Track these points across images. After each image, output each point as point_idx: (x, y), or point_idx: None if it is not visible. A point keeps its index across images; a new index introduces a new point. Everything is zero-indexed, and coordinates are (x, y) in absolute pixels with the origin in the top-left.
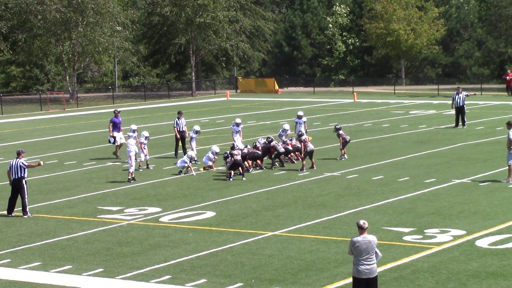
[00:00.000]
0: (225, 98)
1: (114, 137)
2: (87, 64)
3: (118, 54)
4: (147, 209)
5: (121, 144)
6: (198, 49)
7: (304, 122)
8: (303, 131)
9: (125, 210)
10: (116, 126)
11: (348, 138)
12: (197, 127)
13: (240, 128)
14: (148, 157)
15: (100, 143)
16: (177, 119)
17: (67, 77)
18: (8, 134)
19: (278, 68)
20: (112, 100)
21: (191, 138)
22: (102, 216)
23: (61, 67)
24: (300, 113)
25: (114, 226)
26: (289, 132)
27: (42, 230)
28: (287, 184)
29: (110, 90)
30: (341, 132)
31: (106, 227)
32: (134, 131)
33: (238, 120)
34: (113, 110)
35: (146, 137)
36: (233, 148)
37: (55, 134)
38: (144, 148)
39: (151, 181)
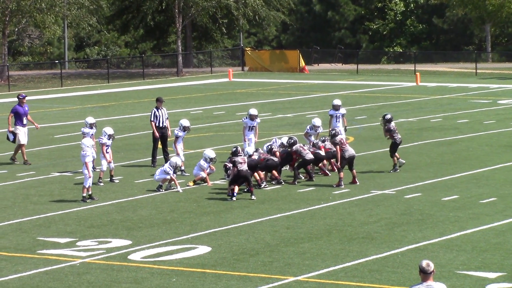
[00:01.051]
0: (227, 79)
1: (15, 134)
2: (23, 27)
3: (69, 12)
4: (110, 242)
5: (23, 145)
6: (187, 5)
7: (343, 115)
8: (340, 129)
9: (77, 243)
10: (19, 118)
11: (399, 138)
12: (184, 122)
13: (256, 123)
14: (112, 165)
15: (44, 143)
16: (155, 110)
17: None
18: None
19: (305, 36)
20: (60, 81)
21: (177, 137)
22: (44, 251)
23: None
24: (337, 102)
25: (62, 266)
26: (320, 130)
27: None
28: (317, 207)
29: (57, 66)
30: (392, 126)
31: (49, 267)
32: (91, 126)
33: (253, 111)
34: (57, 96)
35: (110, 136)
36: (235, 153)
37: None
38: (107, 152)
39: (117, 201)
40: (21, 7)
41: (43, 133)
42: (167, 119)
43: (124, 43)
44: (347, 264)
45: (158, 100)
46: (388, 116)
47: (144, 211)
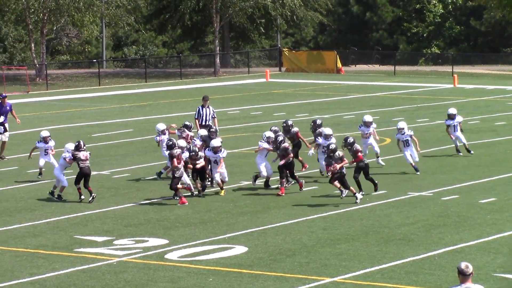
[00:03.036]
0: (264, 80)
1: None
2: (61, 26)
3: (107, 12)
4: (147, 241)
5: (4, 142)
6: (224, 5)
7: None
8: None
9: (115, 242)
10: None
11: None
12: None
13: (370, 130)
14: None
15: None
16: (200, 108)
17: (33, 45)
18: None
19: (343, 37)
20: (98, 80)
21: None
22: (81, 249)
23: (24, 30)
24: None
25: (99, 265)
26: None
27: None
28: (353, 208)
29: (95, 65)
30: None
31: (86, 266)
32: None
33: (368, 118)
34: (95, 94)
35: (162, 132)
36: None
37: (13, 129)
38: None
39: (153, 200)
40: (59, 6)
41: (81, 132)
42: (213, 117)
43: (161, 43)
44: (384, 265)
45: (204, 99)
46: (351, 140)
47: (181, 210)
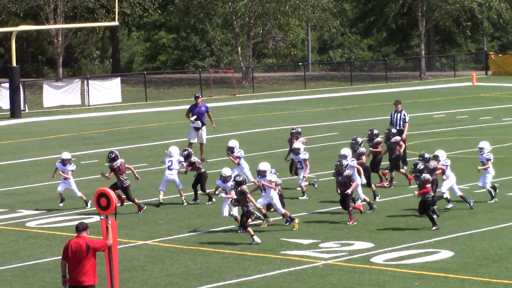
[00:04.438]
0: (470, 83)
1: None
2: (267, 30)
3: (313, 15)
4: (353, 244)
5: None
6: (430, 9)
7: None
8: None
9: (320, 245)
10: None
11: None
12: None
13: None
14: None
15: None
16: (392, 113)
17: (239, 48)
18: (154, 129)
19: None
20: (303, 83)
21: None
22: (287, 252)
23: (231, 34)
24: None
25: (305, 268)
26: None
27: (201, 270)
28: None
29: (300, 68)
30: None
31: (292, 268)
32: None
33: None
34: (300, 97)
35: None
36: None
37: (219, 131)
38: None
39: (362, 203)
40: (266, 10)
41: (286, 135)
42: (405, 122)
43: (367, 46)
44: None
45: (396, 103)
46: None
47: (387, 214)
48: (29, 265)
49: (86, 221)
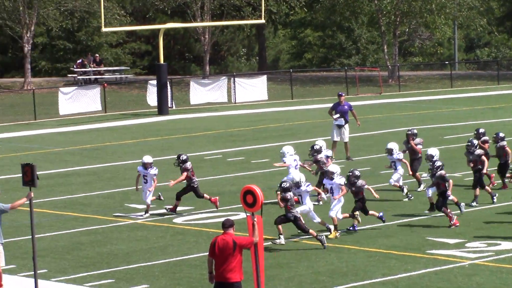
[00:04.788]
0: None
1: None
2: (414, 28)
3: (460, 13)
4: (499, 244)
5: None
6: None
7: None
8: None
9: (466, 244)
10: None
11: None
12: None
13: None
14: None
15: (433, 144)
16: None
17: (385, 47)
18: (300, 127)
19: None
20: (450, 81)
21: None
22: (433, 251)
23: (377, 32)
24: None
25: (451, 267)
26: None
27: (346, 268)
28: None
29: (447, 67)
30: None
31: (438, 268)
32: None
33: None
34: (446, 96)
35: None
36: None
37: (366, 129)
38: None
39: (506, 204)
40: (412, 8)
41: (432, 133)
42: None
43: None
44: None
45: None
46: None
47: None
48: (176, 261)
49: (232, 218)
